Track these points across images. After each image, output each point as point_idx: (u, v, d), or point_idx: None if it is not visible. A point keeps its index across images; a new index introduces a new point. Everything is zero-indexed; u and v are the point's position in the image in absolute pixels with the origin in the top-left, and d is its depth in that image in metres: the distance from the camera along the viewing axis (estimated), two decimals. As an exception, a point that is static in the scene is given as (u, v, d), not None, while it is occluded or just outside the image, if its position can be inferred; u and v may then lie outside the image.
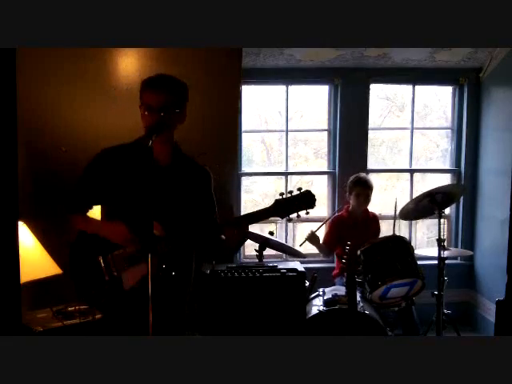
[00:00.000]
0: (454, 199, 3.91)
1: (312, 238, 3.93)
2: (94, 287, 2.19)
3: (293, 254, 3.72)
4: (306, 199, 2.13)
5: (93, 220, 2.29)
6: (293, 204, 2.12)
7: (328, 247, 4.11)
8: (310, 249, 4.13)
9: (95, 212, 2.34)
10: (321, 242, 4.04)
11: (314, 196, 2.14)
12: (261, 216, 2.16)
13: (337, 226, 4.07)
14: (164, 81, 2.19)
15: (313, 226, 4.03)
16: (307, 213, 2.16)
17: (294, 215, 2.14)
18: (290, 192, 2.13)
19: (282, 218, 2.16)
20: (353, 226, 3.98)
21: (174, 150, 2.28)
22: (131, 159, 2.22)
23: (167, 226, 2.14)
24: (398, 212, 3.86)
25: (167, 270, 2.19)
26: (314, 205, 2.15)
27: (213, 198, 2.38)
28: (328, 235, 4.11)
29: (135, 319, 2.13)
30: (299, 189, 2.14)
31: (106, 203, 2.28)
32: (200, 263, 2.50)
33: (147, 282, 1.89)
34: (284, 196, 2.13)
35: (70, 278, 2.25)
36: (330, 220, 4.17)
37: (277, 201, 2.14)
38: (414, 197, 4.00)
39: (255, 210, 2.21)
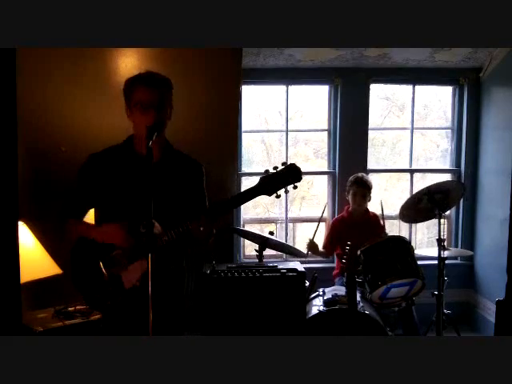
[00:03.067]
0: (454, 199, 3.90)
1: (311, 246, 3.90)
2: (99, 291, 2.19)
3: (293, 253, 3.72)
4: (292, 173, 2.03)
5: (87, 224, 2.30)
6: (278, 180, 2.02)
7: (328, 251, 4.11)
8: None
9: (90, 217, 2.35)
10: (320, 247, 4.05)
11: (299, 168, 2.04)
12: (246, 197, 2.06)
13: (337, 227, 4.08)
14: (153, 77, 2.19)
15: (313, 226, 4.02)
16: (295, 187, 2.05)
17: (281, 191, 2.04)
18: (275, 168, 2.04)
19: (270, 195, 2.05)
20: (353, 226, 3.98)
21: (164, 146, 2.28)
22: (122, 160, 2.24)
23: (159, 221, 2.11)
24: (396, 212, 3.87)
25: (163, 266, 2.19)
26: (301, 177, 2.03)
27: (203, 192, 2.33)
28: (328, 239, 4.12)
29: (136, 319, 2.13)
30: (284, 163, 2.05)
31: (101, 206, 2.28)
32: (198, 262, 2.45)
33: (147, 280, 1.86)
34: (268, 172, 2.04)
35: (73, 285, 2.24)
36: (329, 222, 4.17)
37: (262, 178, 2.04)
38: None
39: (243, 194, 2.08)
